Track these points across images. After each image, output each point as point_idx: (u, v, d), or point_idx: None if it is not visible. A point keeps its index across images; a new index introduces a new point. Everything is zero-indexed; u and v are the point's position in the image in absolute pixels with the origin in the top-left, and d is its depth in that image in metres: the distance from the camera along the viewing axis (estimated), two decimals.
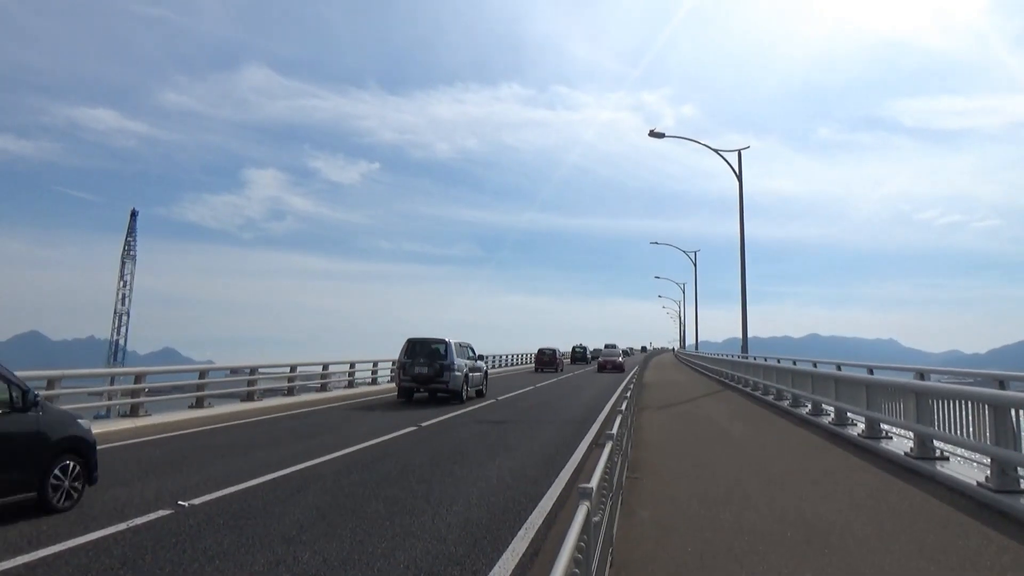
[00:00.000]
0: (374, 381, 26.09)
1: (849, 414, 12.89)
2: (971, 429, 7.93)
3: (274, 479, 8.64)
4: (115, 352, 78.85)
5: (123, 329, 79.39)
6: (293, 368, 20.89)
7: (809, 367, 17.36)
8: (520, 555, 5.73)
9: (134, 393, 13.84)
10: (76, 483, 7.18)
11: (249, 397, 17.64)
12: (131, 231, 80.00)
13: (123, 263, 79.54)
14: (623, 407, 8.22)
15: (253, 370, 18.47)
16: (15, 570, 5.25)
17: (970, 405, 8.03)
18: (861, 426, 12.16)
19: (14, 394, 6.74)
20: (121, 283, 79.44)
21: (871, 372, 13.16)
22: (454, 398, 20.42)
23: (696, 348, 67.09)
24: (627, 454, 8.36)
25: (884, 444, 10.76)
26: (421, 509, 7.22)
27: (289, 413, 16.85)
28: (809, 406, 15.66)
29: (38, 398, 7.07)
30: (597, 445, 11.36)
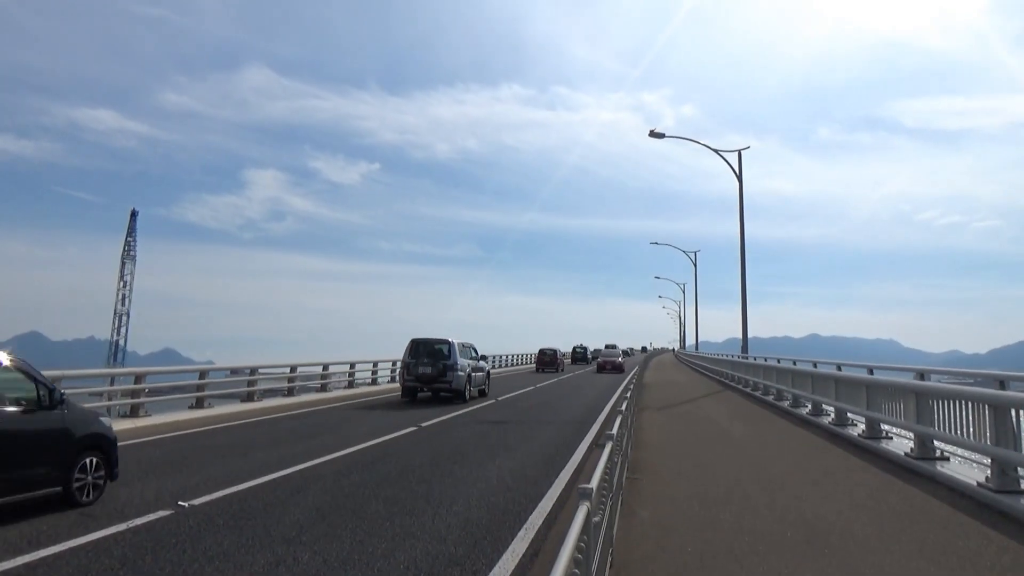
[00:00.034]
0: (374, 381, 26.09)
1: (849, 414, 12.89)
2: (971, 429, 7.93)
3: (274, 479, 8.64)
4: (115, 352, 78.87)
5: (123, 329, 79.45)
6: (293, 368, 20.90)
7: (809, 367, 17.37)
8: (520, 556, 5.73)
9: (134, 393, 13.84)
10: (99, 478, 7.45)
11: (249, 397, 17.64)
12: (131, 231, 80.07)
13: (123, 263, 79.59)
14: (623, 407, 8.22)
15: (253, 370, 18.46)
16: (15, 570, 5.25)
17: (970, 405, 8.03)
18: (861, 426, 12.16)
19: (41, 393, 6.99)
20: (121, 283, 79.50)
21: (871, 372, 13.16)
22: (457, 397, 20.60)
23: (696, 348, 67.07)
24: (627, 454, 8.36)
25: (884, 444, 10.76)
26: (421, 509, 7.22)
27: (289, 413, 16.85)
28: (809, 406, 15.65)
29: (64, 396, 7.31)
30: (597, 445, 11.35)
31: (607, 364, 44.51)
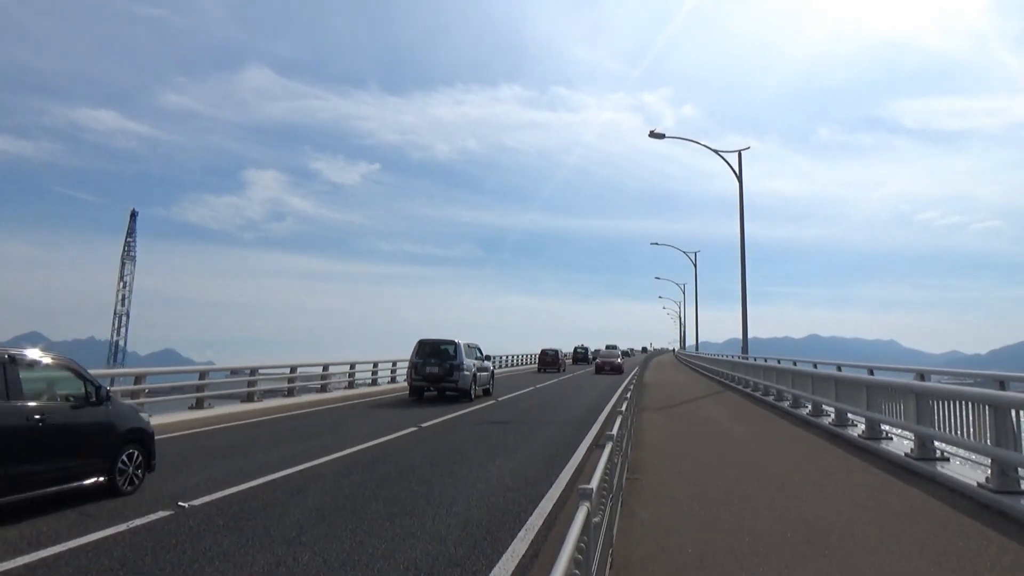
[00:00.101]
0: (374, 382, 26.09)
1: (849, 415, 12.89)
2: (971, 430, 7.93)
3: (274, 480, 8.65)
4: (115, 353, 78.88)
5: (123, 330, 79.45)
6: (293, 369, 20.92)
7: (809, 368, 17.36)
8: (520, 556, 5.73)
9: (134, 394, 13.83)
10: (138, 470, 8.04)
11: (249, 398, 17.65)
12: (131, 232, 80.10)
13: (123, 264, 79.61)
14: (623, 408, 8.22)
15: (253, 371, 18.48)
16: (15, 570, 5.25)
17: (970, 406, 8.03)
18: (861, 427, 12.15)
19: (89, 390, 7.65)
20: (121, 284, 79.51)
21: (871, 373, 13.16)
22: (463, 396, 21.09)
23: (696, 349, 67.10)
24: (627, 455, 8.36)
25: (884, 445, 10.75)
26: (421, 510, 7.22)
27: (289, 414, 16.84)
28: (809, 407, 15.65)
29: (109, 393, 7.98)
30: (597, 446, 11.35)
31: (606, 365, 44.48)
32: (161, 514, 6.90)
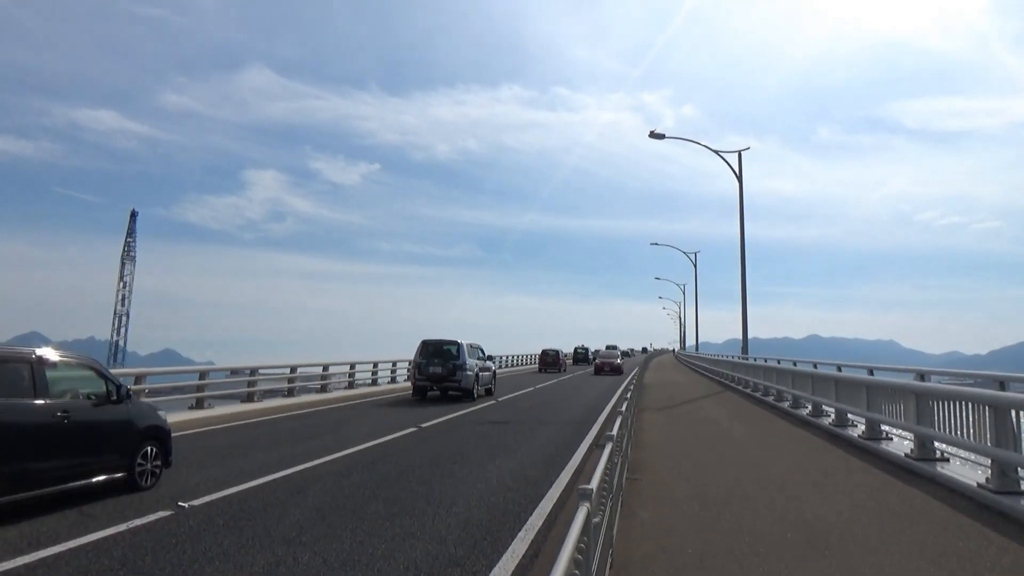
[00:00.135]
0: (374, 382, 26.09)
1: (849, 415, 12.88)
2: (971, 430, 7.93)
3: (274, 480, 8.65)
4: (115, 353, 78.84)
5: (123, 330, 79.44)
6: (293, 369, 20.92)
7: (809, 368, 17.36)
8: (520, 556, 5.73)
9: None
10: (156, 466, 8.35)
11: (249, 398, 17.65)
12: (131, 232, 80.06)
13: (123, 264, 79.58)
14: (623, 408, 8.22)
15: (253, 371, 18.47)
16: (15, 570, 5.25)
17: (970, 406, 8.02)
18: (861, 427, 12.15)
19: (110, 388, 7.97)
20: (121, 284, 79.49)
21: (871, 373, 13.16)
22: (466, 396, 21.46)
23: (696, 349, 67.11)
24: (627, 455, 8.36)
25: (884, 445, 10.75)
26: (421, 510, 7.22)
27: (289, 414, 16.84)
28: (809, 407, 15.65)
29: (130, 392, 8.33)
30: (597, 446, 11.35)
31: (605, 366, 44.39)
32: (161, 514, 6.90)
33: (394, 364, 27.74)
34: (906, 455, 9.59)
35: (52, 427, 7.00)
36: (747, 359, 27.57)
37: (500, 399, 22.12)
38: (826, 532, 6.23)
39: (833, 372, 14.81)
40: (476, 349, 23.17)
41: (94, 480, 7.51)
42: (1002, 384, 9.53)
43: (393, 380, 27.40)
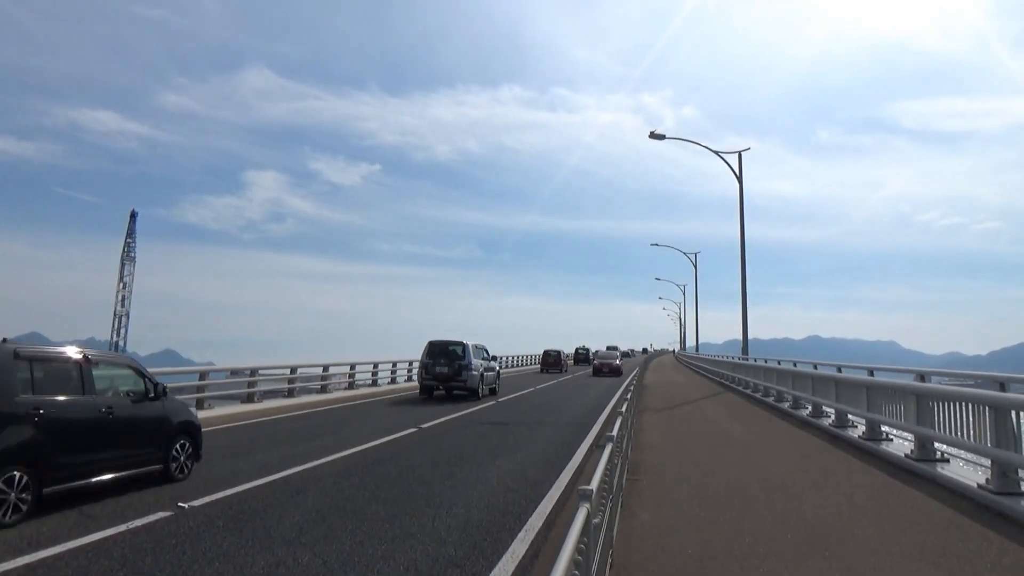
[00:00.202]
0: (375, 383, 26.08)
1: (849, 416, 12.88)
2: (971, 431, 7.93)
3: (274, 481, 8.64)
4: None
5: (123, 331, 79.39)
6: (293, 370, 20.90)
7: (809, 369, 17.36)
8: (520, 557, 5.72)
9: None
10: (188, 460, 8.90)
11: (249, 399, 17.65)
12: (131, 232, 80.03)
13: (123, 264, 79.56)
14: (623, 409, 8.21)
15: (253, 372, 18.46)
16: (15, 571, 5.25)
17: (970, 407, 8.02)
18: (861, 428, 12.15)
19: (148, 386, 8.57)
20: (121, 284, 79.47)
21: (871, 374, 13.15)
22: (471, 395, 21.93)
23: (696, 350, 67.13)
24: (627, 456, 8.36)
25: (884, 446, 10.75)
26: (421, 511, 7.22)
27: (289, 415, 16.84)
28: (810, 408, 15.65)
29: (166, 390, 8.89)
30: (597, 447, 11.35)
31: (604, 367, 44.23)
32: (161, 514, 6.90)
33: (394, 365, 27.74)
34: (906, 456, 9.59)
35: (100, 422, 7.61)
36: (747, 360, 27.57)
37: (500, 399, 22.15)
38: (826, 533, 6.23)
39: (833, 373, 14.80)
40: (481, 349, 23.66)
41: (134, 472, 8.05)
42: (1002, 385, 9.52)
43: (393, 381, 27.39)
